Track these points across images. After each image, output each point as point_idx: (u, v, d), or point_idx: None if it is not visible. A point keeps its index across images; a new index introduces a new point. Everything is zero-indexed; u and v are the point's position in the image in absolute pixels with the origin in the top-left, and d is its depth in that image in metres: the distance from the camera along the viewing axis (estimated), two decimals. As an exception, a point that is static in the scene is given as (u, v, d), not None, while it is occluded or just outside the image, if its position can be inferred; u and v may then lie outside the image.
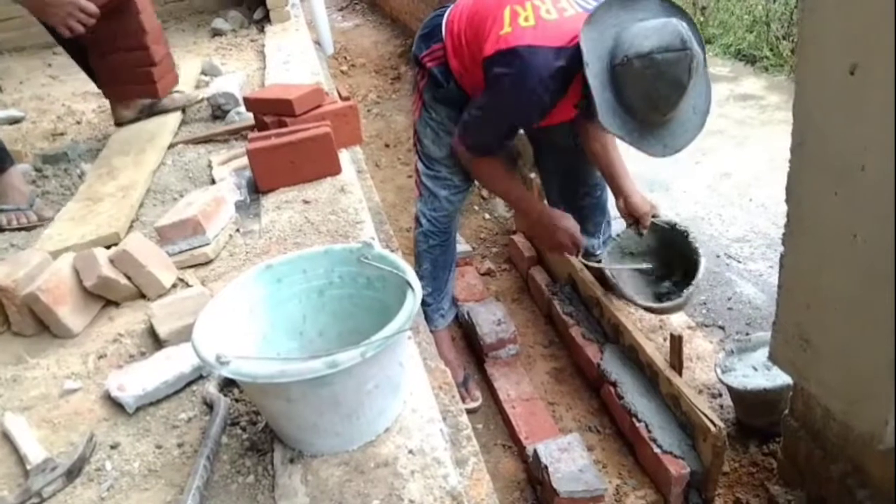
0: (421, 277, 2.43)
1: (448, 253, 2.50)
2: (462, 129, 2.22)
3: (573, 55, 1.90)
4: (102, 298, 1.74)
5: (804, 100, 1.43)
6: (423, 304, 2.45)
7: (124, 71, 2.74)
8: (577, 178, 2.60)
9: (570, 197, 2.65)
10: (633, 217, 2.36)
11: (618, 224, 2.57)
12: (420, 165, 2.42)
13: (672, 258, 2.40)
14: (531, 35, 1.95)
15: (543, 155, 2.66)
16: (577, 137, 2.44)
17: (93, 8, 2.24)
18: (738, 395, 2.14)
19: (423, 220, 2.44)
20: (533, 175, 3.14)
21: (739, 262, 3.12)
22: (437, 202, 2.40)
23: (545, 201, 2.69)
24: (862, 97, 1.27)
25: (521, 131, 2.56)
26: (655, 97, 1.84)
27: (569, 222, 2.32)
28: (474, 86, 2.20)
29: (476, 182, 2.49)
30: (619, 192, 2.37)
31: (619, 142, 2.37)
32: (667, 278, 2.43)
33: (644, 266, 2.38)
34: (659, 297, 2.37)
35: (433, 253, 2.45)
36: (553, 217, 2.32)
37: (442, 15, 2.28)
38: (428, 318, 2.44)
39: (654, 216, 2.36)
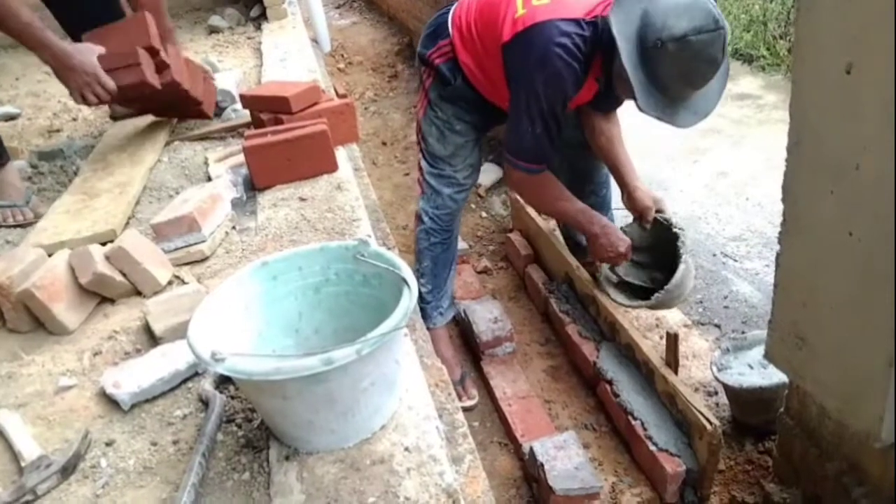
0: (421, 275, 2.44)
1: (449, 251, 2.49)
2: (508, 150, 2.18)
3: (592, 27, 1.92)
4: (98, 295, 1.73)
5: (800, 99, 1.43)
6: (423, 301, 2.45)
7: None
8: (583, 176, 2.60)
9: (576, 194, 2.65)
10: (636, 211, 2.36)
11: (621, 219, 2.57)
12: (423, 163, 2.41)
13: (665, 256, 2.40)
14: (548, 11, 1.95)
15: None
16: (583, 133, 2.44)
17: (112, 85, 2.25)
18: (734, 393, 2.15)
19: (426, 218, 2.43)
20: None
21: (736, 260, 3.12)
22: (441, 199, 2.39)
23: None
24: (858, 96, 1.27)
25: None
26: (692, 76, 1.87)
27: (619, 234, 2.31)
28: (485, 79, 2.19)
29: (480, 178, 2.48)
30: (624, 186, 2.37)
31: (623, 135, 2.39)
32: (656, 275, 2.43)
33: (641, 303, 2.36)
34: (644, 292, 2.38)
35: (434, 251, 2.44)
36: (605, 226, 2.29)
37: (447, 13, 2.27)
38: (426, 316, 2.44)
39: (658, 211, 2.35)
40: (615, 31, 1.85)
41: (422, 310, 2.43)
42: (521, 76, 2.04)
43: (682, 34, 1.79)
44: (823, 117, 1.36)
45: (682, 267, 2.22)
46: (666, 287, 2.21)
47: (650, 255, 2.48)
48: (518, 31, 1.99)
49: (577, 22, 1.94)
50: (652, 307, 2.33)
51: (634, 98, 1.89)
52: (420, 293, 2.45)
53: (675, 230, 2.31)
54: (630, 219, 2.46)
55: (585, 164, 2.58)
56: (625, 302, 2.36)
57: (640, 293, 2.40)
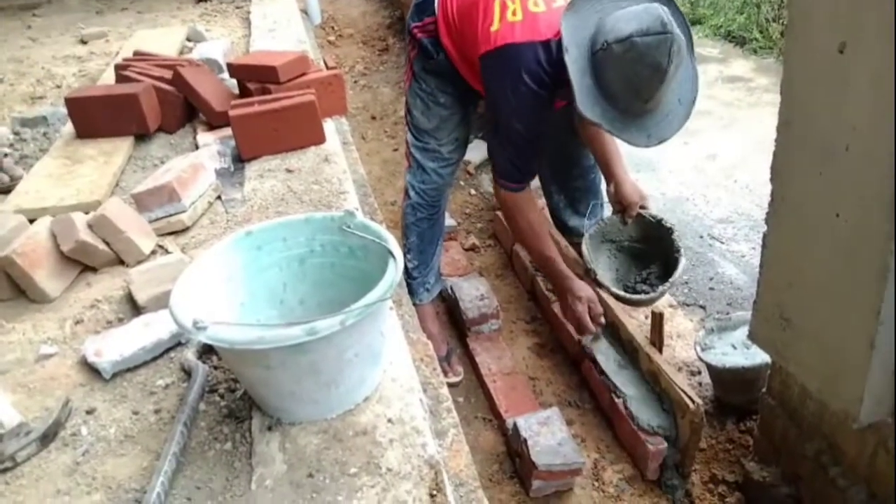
0: (407, 250, 2.43)
1: (436, 227, 2.49)
2: (495, 165, 2.21)
3: (561, 47, 1.89)
4: (80, 264, 1.71)
5: (792, 78, 1.42)
6: (409, 277, 2.45)
7: None
8: (570, 160, 2.59)
9: (563, 178, 2.65)
10: (621, 205, 2.35)
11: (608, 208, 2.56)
12: (409, 136, 2.41)
13: (651, 251, 2.39)
14: (519, 31, 1.95)
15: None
16: (572, 119, 2.42)
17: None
18: (717, 373, 2.16)
19: (412, 193, 2.42)
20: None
21: (722, 242, 3.13)
22: (426, 175, 2.38)
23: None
24: (850, 76, 1.26)
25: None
26: (636, 82, 1.81)
27: (586, 291, 2.24)
28: (463, 61, 2.19)
29: (468, 156, 2.46)
30: (610, 178, 2.36)
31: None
32: (641, 271, 2.43)
33: (619, 293, 2.33)
34: (627, 288, 2.37)
35: (420, 226, 2.44)
36: (573, 288, 2.23)
37: None
38: (413, 292, 2.44)
39: (642, 207, 2.35)
40: (564, 34, 1.84)
41: (408, 285, 2.42)
42: (494, 98, 2.08)
43: (627, 35, 1.76)
44: (814, 97, 1.36)
45: (682, 261, 2.22)
46: (670, 279, 2.21)
47: (626, 250, 2.48)
48: (489, 50, 1.99)
49: (546, 44, 1.94)
50: (644, 302, 2.32)
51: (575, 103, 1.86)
52: (406, 269, 2.44)
53: (666, 226, 2.30)
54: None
55: (573, 148, 2.56)
56: (625, 295, 2.31)
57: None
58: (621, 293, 2.30)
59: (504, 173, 2.18)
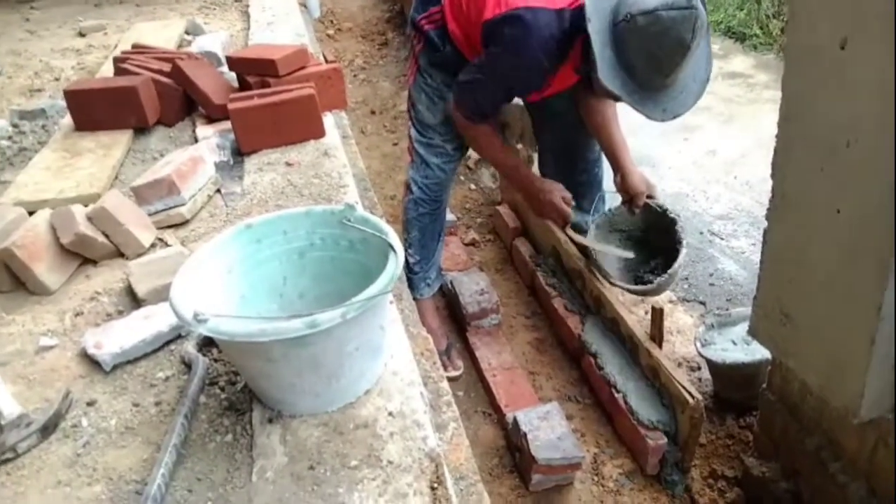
0: (409, 245, 2.42)
1: (437, 222, 2.48)
2: (458, 92, 2.18)
3: (574, 17, 1.88)
4: (80, 256, 1.71)
5: (793, 73, 1.42)
6: (410, 272, 2.44)
7: None
8: (574, 153, 2.58)
9: (568, 172, 2.63)
10: (628, 194, 2.34)
11: (613, 199, 2.55)
12: (413, 132, 2.38)
13: (658, 242, 2.39)
14: None
15: (543, 128, 2.63)
16: (578, 110, 2.42)
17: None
18: (717, 369, 2.16)
19: (414, 188, 2.40)
20: (520, 146, 3.13)
21: (722, 239, 3.13)
22: (429, 170, 2.36)
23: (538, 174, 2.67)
24: (851, 72, 1.26)
25: (520, 101, 2.54)
26: (659, 56, 1.82)
27: (557, 193, 2.28)
28: (472, 50, 2.16)
29: (469, 151, 2.46)
30: (617, 168, 2.34)
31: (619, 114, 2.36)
32: (649, 261, 2.42)
33: (626, 254, 2.36)
34: (637, 279, 2.37)
35: (422, 221, 2.43)
36: (543, 187, 2.29)
37: None
38: (414, 287, 2.43)
39: (649, 196, 2.34)
40: (588, 5, 1.82)
41: (409, 280, 2.42)
42: (494, 52, 2.04)
43: (652, 8, 1.75)
44: (815, 93, 1.35)
45: (683, 251, 2.21)
46: (668, 271, 2.19)
47: (633, 240, 2.47)
48: (500, 13, 1.96)
49: (558, 13, 1.92)
50: (646, 293, 2.32)
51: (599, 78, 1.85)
52: (408, 264, 2.43)
53: (671, 216, 2.30)
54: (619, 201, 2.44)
55: (577, 141, 2.55)
56: (626, 285, 2.32)
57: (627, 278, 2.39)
58: (624, 285, 2.30)
59: (466, 107, 2.18)
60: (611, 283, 2.34)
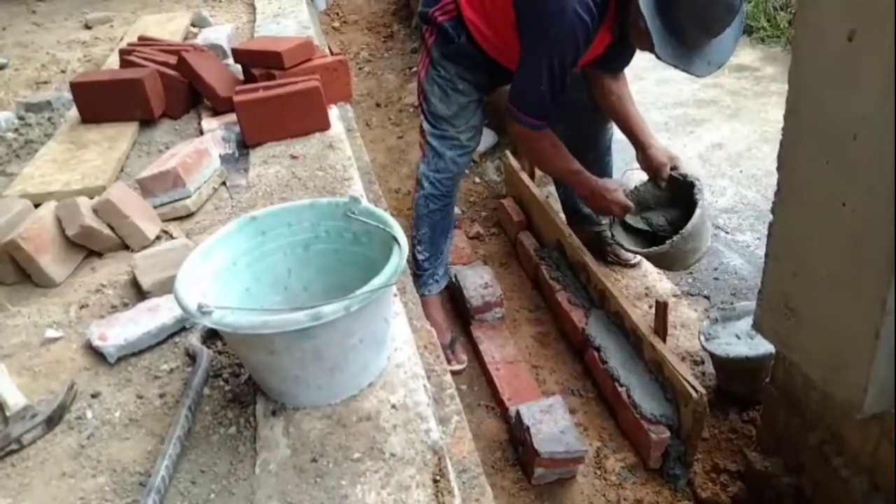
0: (418, 242, 2.41)
1: (448, 218, 2.46)
2: (515, 99, 2.14)
3: None
4: (85, 248, 1.71)
5: (800, 66, 1.41)
6: (419, 268, 2.44)
7: None
8: (587, 143, 2.56)
9: (579, 161, 2.63)
10: (651, 169, 2.32)
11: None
12: (426, 125, 2.35)
13: (685, 211, 2.34)
14: None
15: (556, 118, 2.63)
16: (590, 97, 2.40)
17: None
18: (721, 363, 2.16)
19: (426, 183, 2.37)
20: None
21: (727, 232, 3.13)
22: (443, 163, 2.34)
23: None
24: (859, 64, 1.25)
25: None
26: (709, 21, 1.87)
27: (619, 191, 2.25)
28: (494, 35, 2.14)
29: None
30: (638, 145, 2.33)
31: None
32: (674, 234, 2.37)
33: (659, 249, 2.24)
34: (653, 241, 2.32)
35: (433, 217, 2.41)
36: (607, 186, 2.25)
37: None
38: (422, 283, 2.43)
39: (673, 168, 2.31)
40: None
41: (418, 277, 2.41)
42: (532, 29, 2.01)
43: None
44: (823, 85, 1.34)
45: (698, 212, 2.15)
46: (681, 231, 2.13)
47: (666, 214, 2.42)
48: None
49: None
50: (665, 256, 2.25)
51: (652, 47, 1.87)
52: (417, 261, 2.43)
53: (689, 180, 2.26)
54: (645, 177, 2.40)
55: (590, 131, 2.55)
56: (638, 249, 2.28)
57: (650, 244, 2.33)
58: (634, 249, 2.29)
59: (526, 106, 2.13)
60: (625, 250, 2.31)
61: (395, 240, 1.19)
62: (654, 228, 2.39)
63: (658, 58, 1.90)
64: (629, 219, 2.33)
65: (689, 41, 1.90)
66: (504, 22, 2.07)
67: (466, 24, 2.16)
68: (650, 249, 2.24)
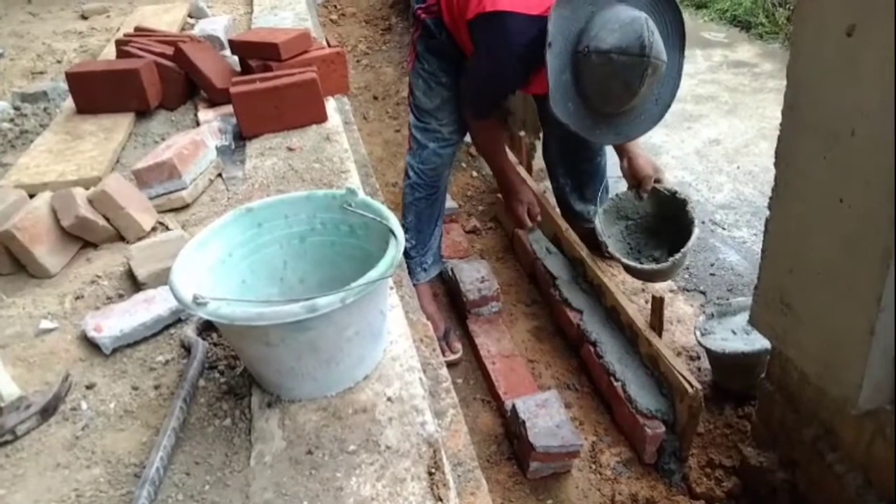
0: (405, 230, 2.43)
1: (433, 207, 2.49)
2: (462, 91, 2.29)
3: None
4: (80, 239, 1.71)
5: (799, 61, 1.41)
6: (406, 256, 2.45)
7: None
8: (577, 143, 2.57)
9: (570, 161, 2.63)
10: (635, 179, 2.33)
11: (617, 187, 2.54)
12: (411, 117, 2.43)
13: (666, 227, 2.37)
14: (510, 0, 1.94)
15: (547, 119, 2.63)
16: None
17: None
18: (716, 358, 2.16)
19: (411, 173, 2.45)
20: (522, 133, 3.11)
21: (724, 228, 3.13)
22: (426, 154, 2.40)
23: (539, 161, 2.70)
24: (858, 59, 1.25)
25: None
26: (607, 94, 1.88)
27: (526, 205, 2.42)
28: (462, 41, 2.20)
29: (467, 137, 2.48)
30: (623, 153, 2.34)
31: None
32: (657, 247, 2.41)
33: (634, 264, 2.33)
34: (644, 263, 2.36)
35: (419, 206, 2.45)
36: (521, 192, 2.43)
37: None
38: (410, 272, 2.44)
39: (656, 181, 2.33)
40: (552, 25, 1.85)
41: (406, 265, 2.42)
42: (476, 54, 2.14)
43: (606, 49, 1.80)
44: (821, 80, 1.34)
45: (696, 231, 2.21)
46: (683, 249, 2.18)
47: (641, 229, 2.45)
48: (479, 13, 2.00)
49: (533, 20, 1.93)
50: (659, 272, 2.30)
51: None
52: (404, 248, 2.44)
53: (680, 197, 2.28)
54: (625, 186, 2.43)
55: None
56: (638, 266, 2.31)
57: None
58: (633, 264, 2.29)
59: (469, 103, 2.31)
60: (624, 265, 2.32)
61: (392, 232, 1.18)
62: (627, 241, 2.46)
63: (553, 112, 1.93)
64: (606, 239, 2.38)
65: (593, 105, 1.92)
66: (465, 33, 2.15)
67: (446, 24, 2.22)
68: (653, 266, 2.28)
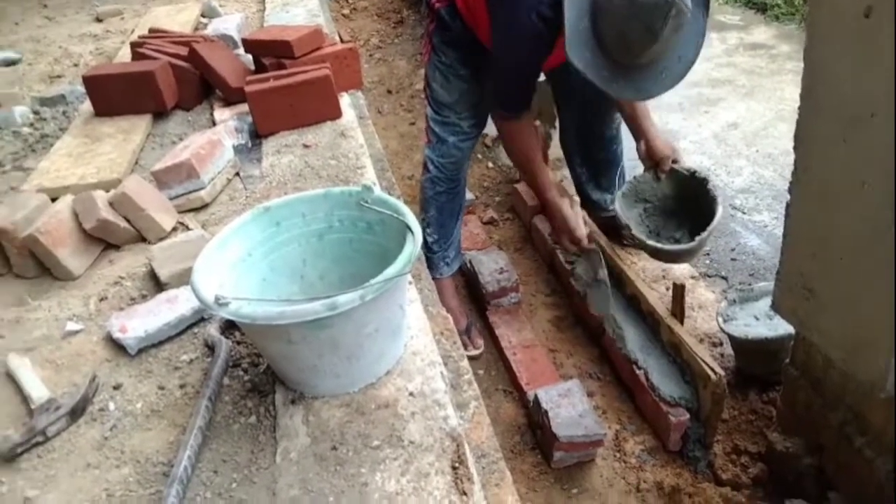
0: (427, 224, 2.42)
1: (455, 201, 2.47)
2: (491, 91, 2.17)
3: None
4: (103, 241, 1.73)
5: (816, 44, 1.39)
6: (429, 251, 2.45)
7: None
8: (593, 131, 2.55)
9: (586, 149, 2.61)
10: (652, 161, 2.30)
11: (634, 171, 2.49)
12: (429, 110, 2.38)
13: (685, 208, 2.33)
14: None
15: (562, 106, 2.60)
16: (595, 86, 2.37)
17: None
18: (739, 344, 2.14)
19: (431, 167, 2.40)
20: (538, 123, 3.10)
21: (744, 213, 3.10)
22: (445, 148, 2.36)
23: (555, 149, 2.62)
24: (876, 41, 1.23)
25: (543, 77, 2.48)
26: (627, 39, 1.76)
27: (570, 214, 2.19)
28: (476, 24, 2.14)
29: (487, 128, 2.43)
30: (640, 135, 2.29)
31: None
32: (677, 229, 2.37)
33: (660, 245, 2.23)
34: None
35: (439, 199, 2.43)
36: (557, 214, 2.21)
37: None
38: (433, 266, 2.44)
39: (674, 161, 2.30)
40: None
41: (428, 259, 2.42)
42: (497, 30, 2.03)
43: None
44: (839, 63, 1.32)
45: (720, 209, 2.13)
46: (708, 227, 2.10)
47: (659, 212, 2.41)
48: None
49: None
50: (680, 254, 2.23)
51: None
52: (426, 243, 2.44)
53: (700, 176, 2.22)
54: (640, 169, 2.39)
55: (595, 119, 2.52)
56: (663, 247, 2.22)
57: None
58: (659, 245, 2.22)
59: (497, 101, 2.16)
60: (650, 247, 2.23)
61: (409, 228, 1.19)
62: (646, 224, 2.38)
63: (568, 59, 1.80)
64: (628, 222, 2.28)
65: (613, 55, 1.80)
66: (483, 16, 2.06)
67: (460, 11, 2.15)
68: (680, 246, 2.20)
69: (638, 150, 2.32)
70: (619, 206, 2.30)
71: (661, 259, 2.33)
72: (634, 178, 2.36)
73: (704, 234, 2.11)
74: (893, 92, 1.21)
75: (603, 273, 2.23)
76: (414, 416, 1.12)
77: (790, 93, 3.86)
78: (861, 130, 1.30)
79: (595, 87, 2.26)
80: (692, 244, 2.15)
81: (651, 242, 2.22)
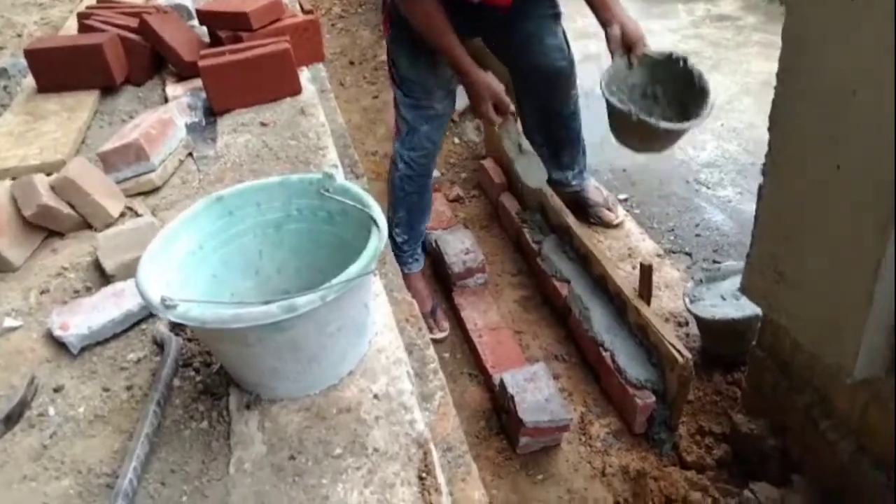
0: (396, 225, 2.35)
1: (424, 198, 2.40)
2: None
3: None
4: (45, 229, 1.63)
5: (796, 21, 1.34)
6: (399, 250, 2.39)
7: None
8: (551, 109, 2.50)
9: (547, 129, 2.56)
10: (626, 46, 2.12)
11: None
12: (398, 94, 2.22)
13: (664, 94, 2.19)
14: None
15: (520, 87, 2.53)
16: (550, 59, 2.30)
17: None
18: (706, 325, 2.13)
19: (401, 164, 2.27)
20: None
21: (709, 188, 3.08)
22: (417, 139, 2.23)
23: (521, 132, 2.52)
24: (860, 19, 1.19)
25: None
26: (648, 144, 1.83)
27: (490, 88, 2.03)
28: None
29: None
30: (610, 20, 2.12)
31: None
32: (662, 116, 2.22)
33: (668, 125, 2.05)
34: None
35: (410, 199, 2.34)
36: (474, 79, 2.04)
37: None
38: (402, 263, 2.37)
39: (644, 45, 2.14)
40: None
41: (397, 257, 2.34)
42: None
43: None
44: (821, 42, 1.28)
45: (711, 84, 2.05)
46: (707, 101, 2.01)
47: (635, 97, 2.27)
48: None
49: None
50: (672, 134, 2.09)
51: None
52: (395, 242, 2.37)
53: (676, 55, 2.09)
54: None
55: (551, 97, 2.46)
56: (672, 126, 2.04)
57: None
58: (667, 124, 2.04)
59: None
60: (659, 126, 2.03)
61: (374, 221, 1.12)
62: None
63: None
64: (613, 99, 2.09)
65: None
66: None
67: None
68: (686, 123, 2.06)
69: (609, 36, 2.13)
70: (607, 93, 2.14)
71: (654, 147, 2.19)
72: (606, 70, 2.21)
73: (706, 110, 2.03)
74: (876, 71, 1.17)
75: (525, 143, 2.16)
76: (378, 422, 1.06)
77: (756, 66, 3.84)
78: (839, 112, 1.27)
79: (548, 66, 2.16)
80: (704, 112, 2.03)
81: (664, 124, 2.04)
